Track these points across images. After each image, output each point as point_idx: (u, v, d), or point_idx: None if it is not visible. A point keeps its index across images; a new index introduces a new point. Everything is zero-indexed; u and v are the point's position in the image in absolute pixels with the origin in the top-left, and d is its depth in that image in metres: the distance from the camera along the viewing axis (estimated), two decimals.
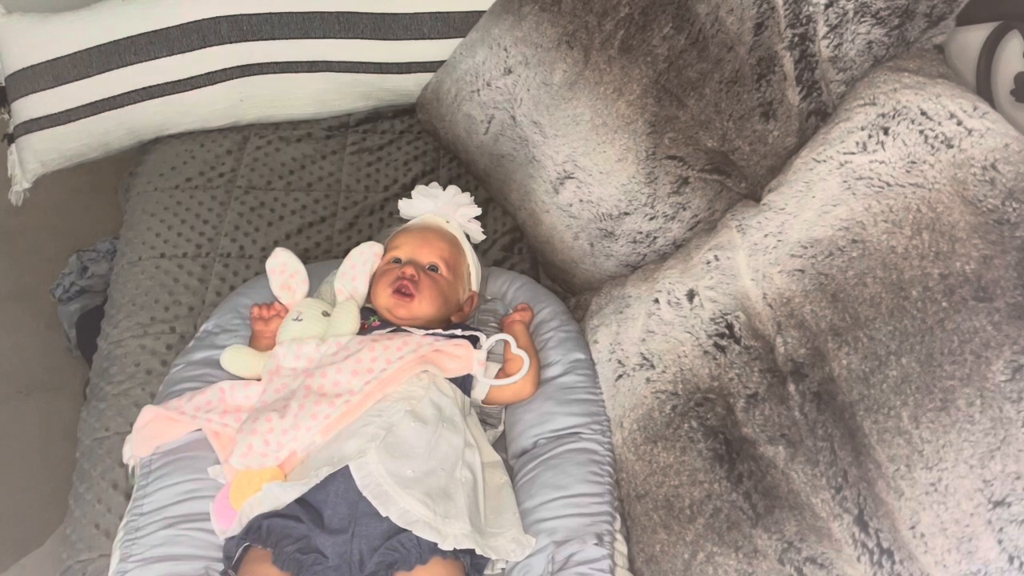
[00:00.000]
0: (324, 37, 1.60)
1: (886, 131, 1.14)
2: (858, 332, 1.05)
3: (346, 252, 1.33)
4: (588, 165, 1.39)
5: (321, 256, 1.52)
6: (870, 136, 1.15)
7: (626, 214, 1.38)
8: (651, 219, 1.37)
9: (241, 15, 1.59)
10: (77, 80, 1.60)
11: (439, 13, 1.60)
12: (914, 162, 1.10)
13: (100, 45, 1.59)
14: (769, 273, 1.16)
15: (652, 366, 1.23)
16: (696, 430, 1.14)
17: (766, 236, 1.19)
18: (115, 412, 1.28)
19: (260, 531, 1.03)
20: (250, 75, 1.63)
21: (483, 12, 1.57)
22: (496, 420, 1.28)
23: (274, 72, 1.63)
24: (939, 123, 1.10)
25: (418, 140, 1.73)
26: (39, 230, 2.14)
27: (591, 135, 1.38)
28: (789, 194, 1.20)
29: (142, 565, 1.04)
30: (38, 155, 1.66)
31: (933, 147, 1.09)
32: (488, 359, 1.23)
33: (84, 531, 1.18)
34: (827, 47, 1.26)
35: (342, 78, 1.65)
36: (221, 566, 1.06)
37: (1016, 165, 1.04)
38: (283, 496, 1.04)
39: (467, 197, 1.44)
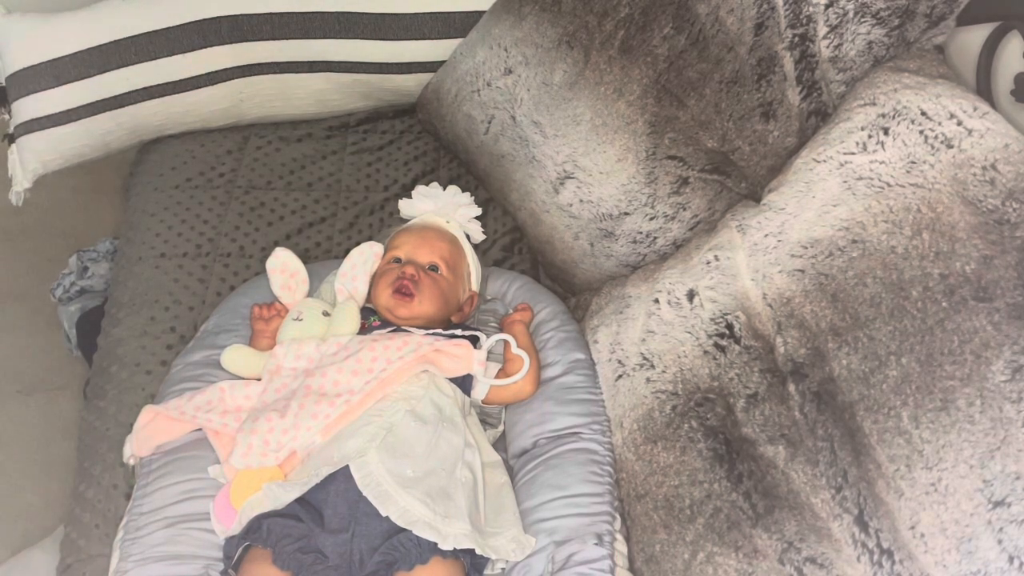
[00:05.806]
0: (324, 37, 1.60)
1: (886, 131, 1.14)
2: (858, 332, 1.05)
3: (346, 252, 1.33)
4: (588, 165, 1.39)
5: (321, 256, 1.52)
6: (870, 136, 1.15)
7: (626, 214, 1.38)
8: (651, 219, 1.37)
9: (241, 15, 1.58)
10: (77, 80, 1.59)
11: (439, 13, 1.59)
12: (914, 162, 1.10)
13: (100, 45, 1.59)
14: (769, 273, 1.16)
15: (652, 366, 1.23)
16: (696, 430, 1.14)
17: (766, 236, 1.19)
18: (115, 412, 1.28)
19: (260, 531, 1.03)
20: (250, 75, 1.63)
21: (483, 12, 1.57)
22: (496, 420, 1.28)
23: (274, 72, 1.63)
24: (939, 123, 1.10)
25: (418, 140, 1.73)
26: (39, 230, 2.14)
27: (591, 135, 1.38)
28: (789, 194, 1.20)
29: (142, 564, 1.04)
30: (38, 155, 1.65)
31: (933, 147, 1.09)
32: (488, 359, 1.23)
33: (84, 531, 1.18)
34: (827, 47, 1.26)
35: (342, 78, 1.65)
36: (221, 566, 1.06)
37: (1016, 165, 1.04)
38: (283, 496, 1.04)
39: (467, 197, 1.44)
